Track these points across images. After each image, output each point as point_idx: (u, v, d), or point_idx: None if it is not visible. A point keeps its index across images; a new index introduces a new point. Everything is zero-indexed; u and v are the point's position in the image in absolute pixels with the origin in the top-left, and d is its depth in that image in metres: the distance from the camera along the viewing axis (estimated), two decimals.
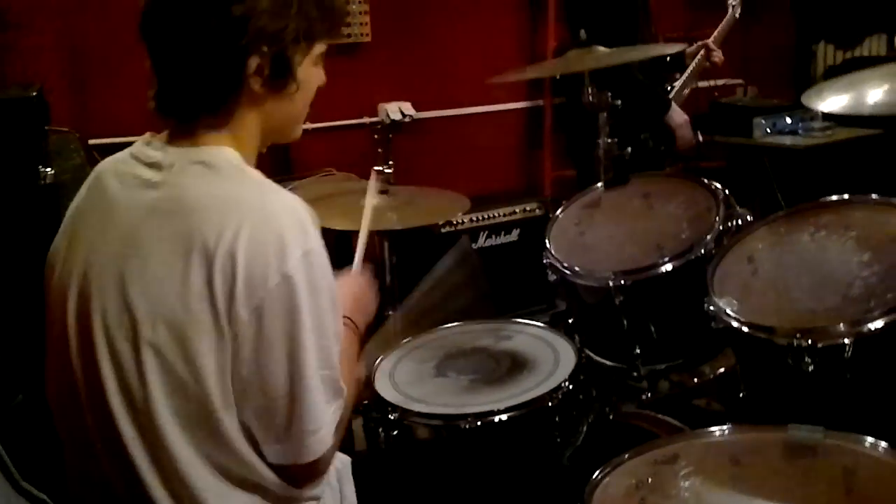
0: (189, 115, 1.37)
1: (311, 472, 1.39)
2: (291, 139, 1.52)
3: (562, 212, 2.44)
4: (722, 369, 2.27)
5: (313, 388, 1.31)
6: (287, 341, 1.27)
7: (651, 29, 3.45)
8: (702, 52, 3.57)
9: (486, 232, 4.22)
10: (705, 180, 2.31)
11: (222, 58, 1.32)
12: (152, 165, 1.36)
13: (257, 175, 1.37)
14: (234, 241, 1.25)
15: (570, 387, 2.07)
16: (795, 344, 1.74)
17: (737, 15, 3.75)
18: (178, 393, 1.28)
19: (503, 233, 4.25)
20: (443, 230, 4.12)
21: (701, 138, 4.73)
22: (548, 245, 2.31)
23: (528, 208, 4.32)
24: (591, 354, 2.31)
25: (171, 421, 1.28)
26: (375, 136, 4.23)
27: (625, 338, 2.21)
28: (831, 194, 2.06)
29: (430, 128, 4.49)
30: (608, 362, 2.29)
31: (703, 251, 2.11)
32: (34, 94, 2.58)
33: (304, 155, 4.19)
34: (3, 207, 2.44)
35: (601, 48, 2.45)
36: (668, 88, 3.56)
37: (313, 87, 1.47)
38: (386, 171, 2.50)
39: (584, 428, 2.14)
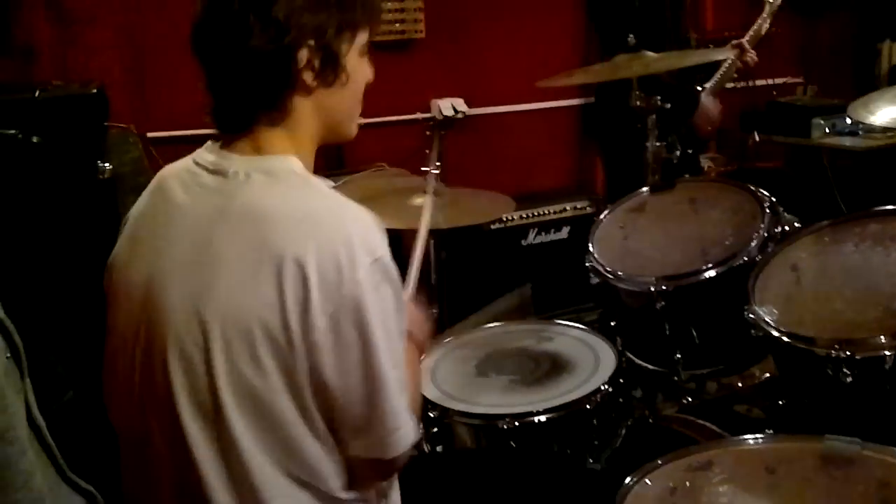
0: (247, 120, 1.41)
1: (392, 466, 1.43)
2: (347, 137, 1.54)
3: (606, 215, 2.45)
4: (767, 375, 2.26)
5: (392, 387, 1.35)
6: (361, 345, 1.31)
7: (682, 30, 3.42)
8: (735, 51, 3.50)
9: (536, 229, 4.24)
10: (752, 187, 2.30)
11: (272, 57, 1.35)
12: (216, 173, 1.40)
13: (321, 184, 1.41)
14: (304, 252, 1.28)
15: (610, 390, 2.08)
16: (834, 354, 1.73)
17: (774, 11, 3.64)
18: (248, 397, 1.31)
19: (553, 230, 4.26)
20: (492, 227, 4.15)
21: (758, 138, 4.69)
22: (591, 248, 2.32)
23: (578, 206, 4.33)
24: (633, 358, 2.31)
25: (242, 423, 1.32)
26: (427, 133, 4.26)
27: (666, 342, 2.21)
28: (892, 198, 2.04)
29: (483, 124, 4.49)
30: (650, 366, 2.29)
31: (746, 258, 2.10)
32: (94, 90, 2.65)
33: (357, 150, 4.23)
34: (63, 202, 2.52)
35: (650, 53, 2.44)
36: (699, 89, 3.50)
37: (362, 80, 1.50)
38: (433, 171, 2.52)
39: (623, 431, 2.15)
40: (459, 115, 4.39)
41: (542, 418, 2.01)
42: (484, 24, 4.43)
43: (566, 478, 2.03)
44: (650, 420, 2.22)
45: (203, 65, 1.41)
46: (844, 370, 1.72)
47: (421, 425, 2.10)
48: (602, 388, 2.07)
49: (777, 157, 4.97)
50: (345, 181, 3.91)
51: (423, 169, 2.54)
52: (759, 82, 4.90)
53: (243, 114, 1.41)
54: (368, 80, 1.52)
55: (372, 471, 1.43)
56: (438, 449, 2.11)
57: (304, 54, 1.36)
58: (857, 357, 1.71)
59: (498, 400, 2.09)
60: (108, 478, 1.43)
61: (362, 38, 1.46)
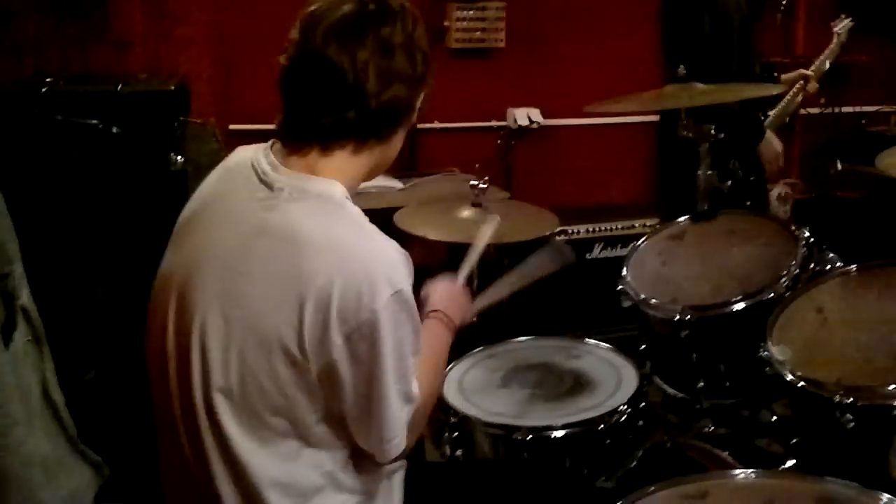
0: (306, 142, 1.52)
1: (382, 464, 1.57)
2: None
3: (646, 240, 2.49)
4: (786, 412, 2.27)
5: (391, 402, 1.47)
6: (371, 365, 1.43)
7: (751, 59, 3.39)
8: (800, 81, 3.48)
9: (602, 243, 4.25)
10: (792, 224, 2.31)
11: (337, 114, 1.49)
12: (265, 183, 1.50)
13: (358, 214, 1.51)
14: (329, 281, 1.40)
15: (628, 411, 2.13)
16: (837, 399, 1.75)
17: (842, 42, 3.61)
18: (257, 398, 1.44)
19: (619, 245, 4.26)
20: (556, 238, 4.19)
21: (840, 167, 4.61)
22: (624, 272, 2.37)
23: (647, 223, 4.31)
24: (660, 382, 2.35)
25: (232, 417, 1.45)
26: (499, 141, 4.34)
27: (690, 370, 2.25)
28: None
29: (558, 135, 4.54)
30: (674, 392, 2.33)
31: (773, 294, 2.12)
32: (173, 87, 2.82)
33: (431, 152, 4.34)
34: (135, 190, 2.69)
35: (699, 84, 2.47)
36: (763, 117, 3.48)
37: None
38: (482, 185, 2.60)
39: (640, 453, 2.19)
40: (534, 126, 4.45)
41: (557, 433, 2.07)
42: (564, 36, 4.47)
43: (574, 494, 2.10)
44: (668, 445, 2.25)
45: (284, 97, 1.52)
46: (847, 416, 1.74)
47: (444, 430, 2.21)
48: (620, 409, 2.12)
49: (860, 188, 4.87)
50: (413, 183, 4.04)
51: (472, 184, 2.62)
52: (847, 109, 4.83)
53: (303, 139, 1.52)
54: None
55: (375, 465, 1.56)
56: (458, 453, 2.19)
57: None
58: (858, 404, 1.72)
59: (516, 411, 2.16)
60: (123, 449, 1.56)
61: (420, 98, 1.59)
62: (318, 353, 1.41)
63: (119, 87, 2.75)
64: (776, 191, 4.45)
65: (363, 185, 3.74)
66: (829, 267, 2.20)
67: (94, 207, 2.66)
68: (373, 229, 1.49)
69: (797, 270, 2.16)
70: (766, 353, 1.93)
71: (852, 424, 1.74)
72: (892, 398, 1.72)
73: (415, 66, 1.52)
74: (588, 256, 4.22)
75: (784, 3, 4.62)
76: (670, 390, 2.35)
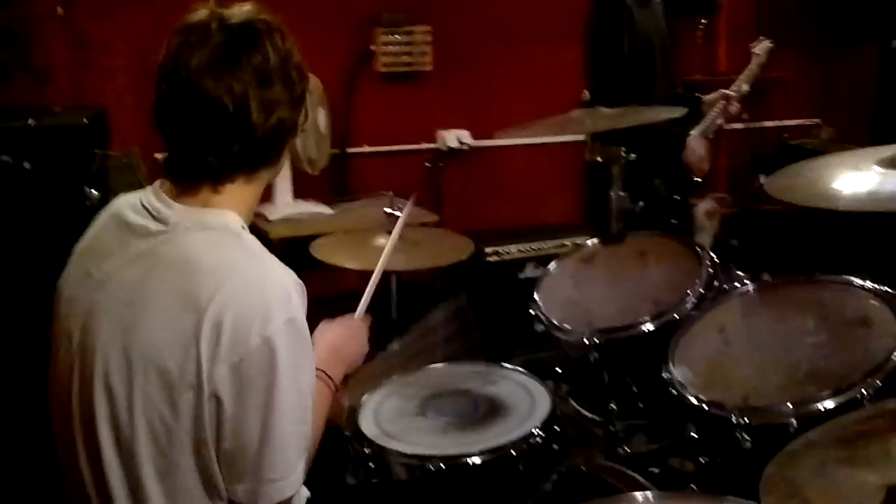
0: (195, 181, 1.52)
1: None
2: None
3: (557, 264, 2.52)
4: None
5: (286, 442, 1.45)
6: (264, 398, 1.42)
7: (669, 78, 3.46)
8: (721, 101, 3.54)
9: (535, 263, 4.28)
10: (697, 245, 2.35)
11: (270, 147, 1.53)
12: (160, 220, 1.50)
13: (253, 242, 1.52)
14: (224, 305, 1.40)
15: (541, 435, 2.14)
16: (734, 420, 1.79)
17: (762, 63, 3.68)
18: (161, 435, 1.43)
19: None
20: (489, 259, 4.22)
21: (763, 181, 4.70)
22: (536, 297, 2.39)
23: (579, 242, 4.34)
24: (575, 405, 2.38)
25: (150, 459, 1.44)
26: (427, 164, 4.36)
27: (603, 392, 2.27)
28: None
29: (488, 156, 4.58)
30: (589, 414, 2.35)
31: (677, 315, 2.16)
32: (85, 120, 2.80)
33: (362, 176, 4.36)
34: (49, 227, 2.66)
35: (604, 110, 2.51)
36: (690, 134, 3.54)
37: None
38: (396, 213, 2.61)
39: (555, 477, 2.21)
40: (464, 147, 4.48)
41: (470, 461, 2.08)
42: (492, 57, 4.52)
43: None
44: (582, 468, 2.27)
45: (162, 134, 1.52)
46: (744, 436, 1.78)
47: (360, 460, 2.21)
48: (532, 433, 2.13)
49: (783, 202, 4.96)
50: (344, 208, 4.05)
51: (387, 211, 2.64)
52: (769, 123, 4.93)
53: (192, 177, 1.52)
54: None
55: None
56: (374, 482, 2.19)
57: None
58: (754, 425, 1.76)
59: (432, 441, 2.16)
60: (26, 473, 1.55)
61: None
62: (208, 385, 1.40)
63: (30, 121, 2.72)
64: (703, 206, 4.51)
65: (291, 212, 3.76)
66: (733, 285, 2.25)
67: (8, 244, 2.63)
68: (269, 258, 1.50)
69: (701, 290, 2.20)
70: (667, 375, 1.96)
71: (749, 444, 1.77)
72: (786, 417, 1.76)
73: (293, 88, 1.52)
74: (520, 276, 4.25)
75: (704, 21, 4.72)
76: (586, 413, 2.37)
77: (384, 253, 2.19)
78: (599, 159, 2.52)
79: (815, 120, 5.30)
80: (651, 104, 3.17)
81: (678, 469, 2.29)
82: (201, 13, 1.51)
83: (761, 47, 3.75)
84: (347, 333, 1.90)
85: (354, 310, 2.02)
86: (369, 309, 2.04)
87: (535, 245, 4.30)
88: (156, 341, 1.42)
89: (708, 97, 3.61)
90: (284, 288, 1.46)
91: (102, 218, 1.62)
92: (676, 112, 2.56)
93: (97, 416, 1.46)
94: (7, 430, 2.23)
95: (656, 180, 3.39)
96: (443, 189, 4.47)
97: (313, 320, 1.62)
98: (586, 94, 2.61)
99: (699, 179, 3.54)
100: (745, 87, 3.60)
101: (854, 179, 1.73)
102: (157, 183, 1.57)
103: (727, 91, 3.58)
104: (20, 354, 2.39)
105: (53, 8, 3.71)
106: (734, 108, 3.52)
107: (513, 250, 4.24)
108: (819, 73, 5.23)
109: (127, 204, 1.58)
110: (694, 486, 2.05)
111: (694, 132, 3.48)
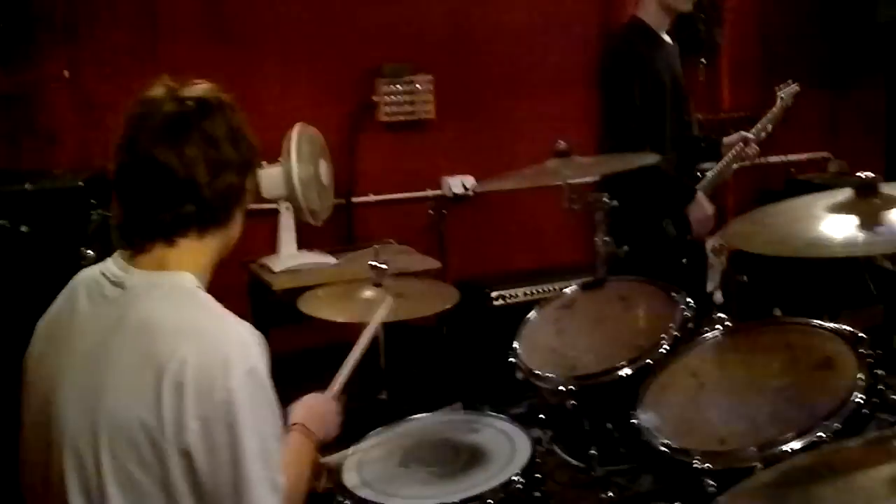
0: (149, 239, 1.58)
1: None
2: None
3: (537, 311, 2.53)
4: None
5: (256, 486, 1.48)
6: (232, 447, 1.46)
7: (687, 122, 3.47)
8: (739, 144, 3.53)
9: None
10: (673, 290, 2.36)
11: (217, 214, 1.59)
12: (117, 285, 1.57)
13: (209, 300, 1.58)
14: (184, 362, 1.45)
15: (521, 482, 2.15)
16: (698, 465, 1.79)
17: (786, 106, 3.66)
18: (134, 494, 1.47)
19: None
20: (496, 303, 4.23)
21: None
22: (516, 345, 2.41)
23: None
24: (559, 451, 2.38)
25: None
26: (430, 211, 4.40)
27: (582, 438, 2.28)
28: None
29: (494, 201, 4.60)
30: (572, 460, 2.36)
31: (650, 360, 2.16)
32: (80, 182, 2.88)
33: (367, 225, 4.41)
34: (46, 287, 2.73)
35: (581, 159, 2.54)
36: (698, 176, 3.56)
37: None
38: (380, 266, 2.64)
39: None
40: (470, 192, 4.52)
41: None
42: (494, 103, 4.57)
43: None
44: None
45: (124, 196, 1.59)
46: (708, 480, 1.78)
47: None
48: (512, 479, 2.14)
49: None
50: (349, 258, 4.10)
51: (371, 264, 2.67)
52: (773, 159, 4.92)
53: (152, 233, 1.58)
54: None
55: None
56: None
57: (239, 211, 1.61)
58: (715, 469, 1.76)
59: (414, 492, 2.17)
60: None
61: (251, 182, 1.67)
62: (176, 441, 1.44)
63: (27, 185, 2.81)
64: (710, 243, 4.49)
65: (295, 262, 3.80)
66: (721, 328, 2.24)
67: (5, 307, 2.70)
68: (225, 313, 1.56)
69: (676, 334, 2.21)
70: (636, 420, 1.96)
71: (714, 489, 1.77)
72: (751, 460, 1.75)
73: (241, 153, 1.60)
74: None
75: (703, 62, 4.74)
76: (569, 459, 2.37)
77: (361, 341, 2.23)
78: (576, 207, 2.54)
79: (824, 153, 5.28)
80: (664, 148, 3.20)
81: None
82: (158, 89, 1.59)
83: (787, 91, 3.71)
84: (323, 406, 1.97)
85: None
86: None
87: (542, 287, 4.29)
88: (119, 404, 1.47)
89: (727, 139, 3.61)
90: (242, 340, 1.51)
91: (66, 289, 1.68)
92: (650, 159, 2.58)
93: (67, 484, 1.51)
94: None
95: (665, 220, 3.40)
96: (446, 235, 4.50)
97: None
98: (561, 144, 2.64)
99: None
100: (769, 128, 3.60)
101: (808, 225, 1.74)
102: (116, 253, 1.64)
103: (747, 134, 3.57)
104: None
105: (60, 71, 3.83)
106: (753, 150, 3.52)
107: (519, 294, 4.24)
108: (826, 105, 5.21)
109: (88, 274, 1.66)
110: None
111: (708, 174, 3.49)
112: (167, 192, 1.54)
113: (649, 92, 3.30)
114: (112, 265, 1.61)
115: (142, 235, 1.59)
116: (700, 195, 3.37)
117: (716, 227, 3.37)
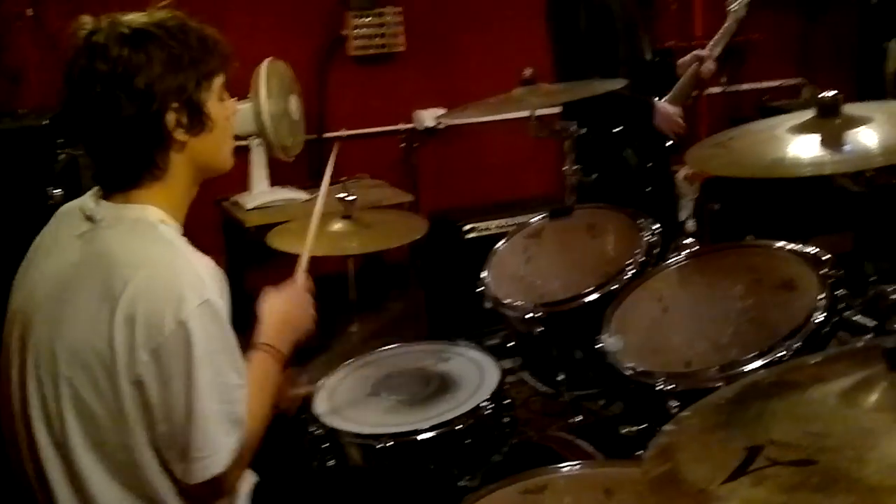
0: (129, 180, 1.60)
1: (208, 491, 1.58)
2: (224, 170, 1.73)
3: (505, 241, 2.54)
4: None
5: (209, 419, 1.51)
6: (185, 378, 1.49)
7: (640, 48, 3.43)
8: (694, 63, 3.50)
9: None
10: (641, 216, 2.36)
11: (143, 124, 1.55)
12: (89, 219, 1.60)
13: (169, 233, 1.59)
14: (135, 293, 1.48)
15: (490, 408, 2.17)
16: (661, 387, 1.82)
17: (739, 18, 3.60)
18: (90, 422, 1.52)
19: None
20: (468, 235, 4.24)
21: None
22: (484, 274, 2.42)
23: None
24: (529, 378, 2.41)
25: (83, 446, 1.53)
26: (402, 144, 4.38)
27: (550, 364, 2.30)
28: None
29: (465, 133, 4.58)
30: (540, 386, 2.39)
31: (617, 285, 2.18)
32: (44, 122, 2.84)
33: (340, 160, 4.35)
34: (13, 226, 2.71)
35: (547, 86, 2.52)
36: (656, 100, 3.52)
37: (227, 119, 1.69)
38: (348, 198, 2.63)
39: (506, 449, 2.24)
40: (441, 125, 4.50)
41: (418, 437, 2.12)
42: (464, 35, 4.53)
43: (438, 496, 2.15)
44: (534, 439, 2.31)
45: (80, 138, 1.62)
46: (672, 401, 1.80)
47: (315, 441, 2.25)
48: (480, 406, 2.16)
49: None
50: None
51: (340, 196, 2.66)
52: (748, 86, 4.91)
53: (124, 176, 1.60)
54: (233, 114, 1.70)
55: (201, 491, 1.57)
56: (330, 463, 2.23)
57: (171, 116, 1.55)
58: (679, 389, 1.79)
59: (381, 419, 2.20)
60: None
61: (219, 83, 1.64)
62: (127, 372, 1.47)
63: None
64: (682, 172, 4.50)
65: (267, 199, 3.78)
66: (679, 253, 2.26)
67: None
68: (184, 246, 1.58)
69: (642, 259, 2.22)
70: (600, 344, 1.99)
71: (677, 410, 1.80)
72: (714, 381, 1.78)
73: (171, 50, 1.53)
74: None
75: None
76: (538, 385, 2.41)
77: (315, 210, 2.24)
78: (542, 135, 2.53)
79: (798, 79, 5.27)
80: (615, 75, 3.16)
81: (629, 437, 2.31)
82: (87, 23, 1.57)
83: (737, 3, 3.66)
84: (292, 302, 1.91)
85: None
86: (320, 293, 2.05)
87: (514, 220, 4.28)
88: (77, 334, 1.51)
89: (681, 60, 3.58)
90: (196, 273, 1.52)
91: (52, 220, 1.72)
92: (617, 84, 2.56)
93: (31, 411, 1.56)
94: None
95: (626, 150, 3.39)
96: (419, 169, 4.49)
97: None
98: (527, 71, 2.61)
99: (676, 142, 3.51)
100: (721, 45, 3.55)
101: (771, 147, 1.73)
102: (95, 188, 1.65)
103: (700, 52, 3.53)
104: None
105: (23, 9, 3.75)
106: (708, 68, 3.48)
107: (492, 226, 4.24)
108: (799, 32, 5.19)
109: (69, 207, 1.69)
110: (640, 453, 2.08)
111: (666, 98, 3.47)
112: (126, 126, 1.53)
113: (595, 20, 3.27)
114: (88, 199, 1.64)
115: (109, 169, 1.61)
116: (658, 103, 3.35)
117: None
